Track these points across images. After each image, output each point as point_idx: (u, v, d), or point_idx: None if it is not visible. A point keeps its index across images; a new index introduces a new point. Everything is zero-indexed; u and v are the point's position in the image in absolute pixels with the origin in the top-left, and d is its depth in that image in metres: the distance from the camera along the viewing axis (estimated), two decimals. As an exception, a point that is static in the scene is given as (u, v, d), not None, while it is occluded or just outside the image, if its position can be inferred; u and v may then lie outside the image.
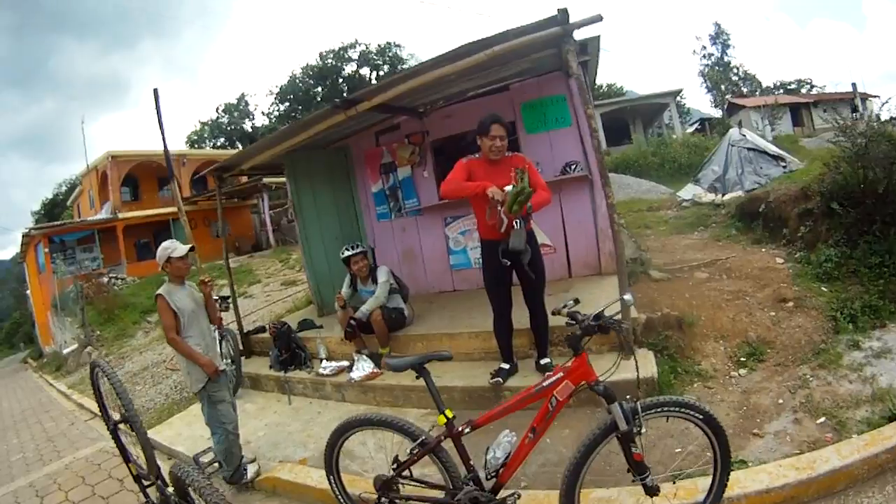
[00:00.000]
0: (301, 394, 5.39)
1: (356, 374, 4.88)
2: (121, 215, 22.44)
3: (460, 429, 2.47)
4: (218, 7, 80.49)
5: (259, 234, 24.02)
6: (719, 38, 44.12)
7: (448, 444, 2.51)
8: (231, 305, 6.62)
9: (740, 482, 2.65)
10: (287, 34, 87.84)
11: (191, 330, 3.81)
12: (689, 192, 12.08)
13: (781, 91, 39.99)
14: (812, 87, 43.68)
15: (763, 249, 6.96)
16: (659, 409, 2.31)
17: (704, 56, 44.20)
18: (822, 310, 4.86)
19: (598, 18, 3.86)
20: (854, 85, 29.26)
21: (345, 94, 5.06)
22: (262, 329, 6.88)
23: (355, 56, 41.36)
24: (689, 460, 2.88)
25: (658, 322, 4.63)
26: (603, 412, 2.35)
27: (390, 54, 40.93)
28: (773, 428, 3.34)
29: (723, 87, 39.89)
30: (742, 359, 4.33)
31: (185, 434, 5.05)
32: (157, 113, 5.29)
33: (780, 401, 3.65)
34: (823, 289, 5.24)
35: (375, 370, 4.87)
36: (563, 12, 3.80)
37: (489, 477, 2.44)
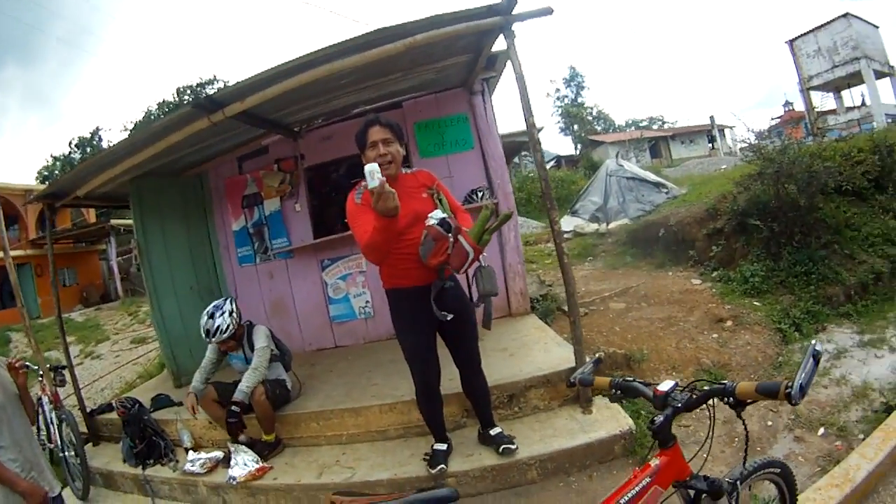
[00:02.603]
0: (168, 496, 3.95)
1: (237, 472, 3.56)
2: (-42, 259, 17.91)
3: None
4: (85, 31, 72.14)
5: (108, 282, 20.73)
6: (573, 80, 47.62)
7: None
8: (66, 378, 4.93)
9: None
10: (148, 67, 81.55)
11: (0, 437, 2.45)
12: (567, 223, 12.10)
13: (634, 128, 44.00)
14: (664, 123, 48.64)
15: (670, 273, 6.84)
16: (748, 479, 1.75)
17: (559, 98, 47.30)
18: (763, 324, 4.88)
19: (548, 11, 3.26)
20: (712, 118, 32.83)
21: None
22: (108, 407, 5.27)
23: (213, 92, 38.85)
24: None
25: (604, 365, 4.03)
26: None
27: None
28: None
29: (575, 126, 42.82)
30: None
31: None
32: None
33: (769, 423, 3.45)
34: (756, 303, 5.26)
35: (262, 465, 3.60)
36: None
37: None
